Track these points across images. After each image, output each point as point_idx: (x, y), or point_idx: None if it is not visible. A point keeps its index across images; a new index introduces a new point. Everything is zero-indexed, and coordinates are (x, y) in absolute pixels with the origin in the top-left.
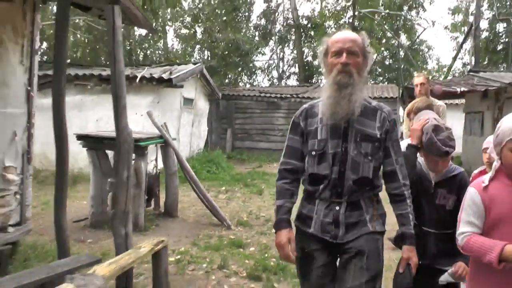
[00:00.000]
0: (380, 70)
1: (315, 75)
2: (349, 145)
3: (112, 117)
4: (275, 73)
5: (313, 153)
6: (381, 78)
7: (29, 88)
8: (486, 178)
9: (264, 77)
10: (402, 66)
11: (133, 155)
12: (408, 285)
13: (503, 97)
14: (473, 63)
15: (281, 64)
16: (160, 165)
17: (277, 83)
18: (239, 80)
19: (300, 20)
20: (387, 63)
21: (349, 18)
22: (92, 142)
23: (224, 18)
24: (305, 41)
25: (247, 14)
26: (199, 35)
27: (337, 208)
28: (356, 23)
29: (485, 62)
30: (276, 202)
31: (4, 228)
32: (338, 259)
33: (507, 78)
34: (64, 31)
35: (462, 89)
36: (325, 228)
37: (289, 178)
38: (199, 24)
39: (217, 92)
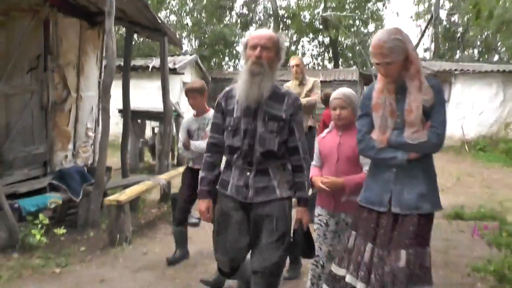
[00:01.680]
0: (350, 55)
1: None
2: (258, 123)
3: (137, 96)
4: None
5: (229, 128)
6: (351, 62)
7: (99, 79)
8: (325, 131)
9: None
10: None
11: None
12: (300, 239)
13: None
14: (433, 49)
15: None
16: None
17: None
18: (223, 64)
19: (278, 10)
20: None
21: (322, 10)
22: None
23: (211, 12)
24: (283, 29)
25: (230, 3)
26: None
27: (248, 174)
28: (326, 13)
29: (445, 48)
30: (200, 173)
31: (86, 165)
32: (251, 218)
33: (438, 66)
34: (129, 46)
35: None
36: (238, 190)
37: (212, 152)
38: (189, 16)
39: (208, 76)
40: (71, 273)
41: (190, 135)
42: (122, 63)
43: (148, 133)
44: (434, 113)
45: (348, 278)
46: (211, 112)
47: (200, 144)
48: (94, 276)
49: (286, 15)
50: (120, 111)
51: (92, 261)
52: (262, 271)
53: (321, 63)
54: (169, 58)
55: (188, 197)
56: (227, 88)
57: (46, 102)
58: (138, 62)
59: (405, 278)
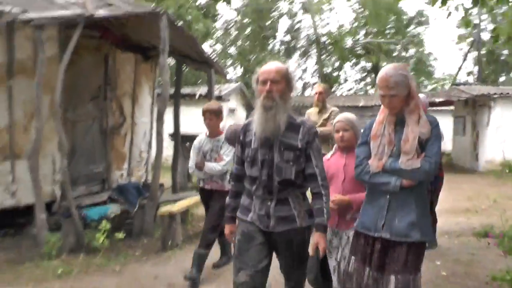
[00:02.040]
0: None
1: (334, 85)
2: (274, 153)
3: (185, 122)
4: (299, 84)
5: (248, 159)
6: None
7: (152, 107)
8: (329, 153)
9: None
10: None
11: None
12: (315, 264)
13: (477, 104)
14: (476, 72)
15: (304, 75)
16: None
17: (301, 92)
18: None
19: (320, 37)
20: None
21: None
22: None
23: (256, 42)
24: (326, 55)
25: (273, 32)
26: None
27: (269, 203)
28: (368, 39)
29: (489, 71)
30: (226, 200)
31: (139, 182)
32: (272, 244)
33: (477, 90)
34: (180, 76)
35: (439, 99)
36: (260, 219)
37: (236, 181)
38: (234, 46)
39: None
40: (129, 271)
41: (203, 155)
42: (172, 92)
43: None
44: (429, 145)
45: None
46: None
47: (215, 166)
48: (149, 273)
49: (328, 41)
50: (170, 135)
51: (147, 262)
52: (287, 281)
53: (363, 88)
54: (215, 86)
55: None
56: (245, 122)
57: (105, 127)
58: (186, 90)
59: None
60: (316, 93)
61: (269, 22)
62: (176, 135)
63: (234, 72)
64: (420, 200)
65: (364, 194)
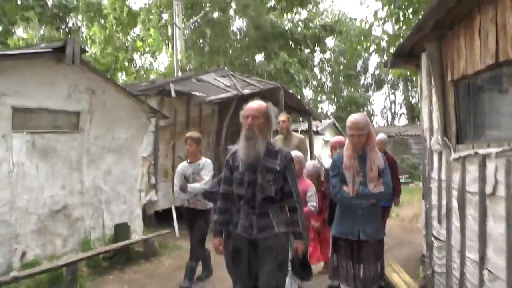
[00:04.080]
0: None
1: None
2: (258, 175)
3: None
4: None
5: (236, 180)
6: None
7: None
8: None
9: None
10: None
11: None
12: (297, 263)
13: None
14: None
15: (393, 106)
16: None
17: (391, 123)
18: None
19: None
20: None
21: None
22: None
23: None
24: (411, 86)
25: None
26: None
27: (252, 216)
28: None
29: None
30: (214, 217)
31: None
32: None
33: None
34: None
35: None
36: (245, 229)
37: (223, 200)
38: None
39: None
40: None
41: (186, 179)
42: None
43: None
44: (384, 174)
45: (341, 285)
46: (203, 160)
47: (196, 186)
48: None
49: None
50: None
51: None
52: None
53: None
54: (313, 123)
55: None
56: (233, 149)
57: None
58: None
59: (373, 281)
60: (279, 122)
61: (361, 60)
62: None
63: (328, 107)
64: (378, 212)
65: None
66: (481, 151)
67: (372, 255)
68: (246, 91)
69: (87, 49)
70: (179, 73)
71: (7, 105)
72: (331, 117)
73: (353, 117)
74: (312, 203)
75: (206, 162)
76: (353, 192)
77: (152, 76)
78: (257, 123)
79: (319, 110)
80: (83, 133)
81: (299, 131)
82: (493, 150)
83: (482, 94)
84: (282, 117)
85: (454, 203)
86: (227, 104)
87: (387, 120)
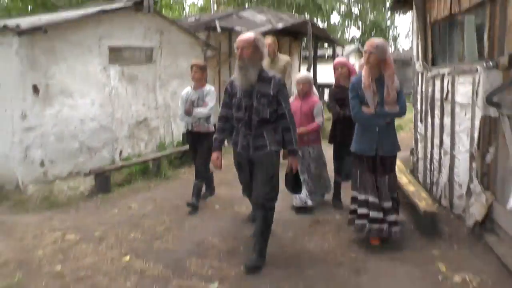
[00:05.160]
0: None
1: None
2: (253, 100)
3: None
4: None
5: (235, 105)
6: None
7: (299, 65)
8: (292, 98)
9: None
10: None
11: None
12: (291, 178)
13: None
14: None
15: None
16: None
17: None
18: None
19: None
20: None
21: None
22: None
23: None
24: None
25: None
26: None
27: (249, 137)
28: None
29: None
30: (214, 135)
31: None
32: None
33: None
34: (316, 47)
35: None
36: (243, 148)
37: (222, 121)
38: (357, 6)
39: None
40: None
41: (191, 103)
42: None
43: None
44: (399, 97)
45: (362, 197)
46: (207, 87)
47: (202, 110)
48: None
49: None
50: None
51: None
52: (257, 202)
53: None
54: (338, 48)
55: (194, 157)
56: (231, 78)
57: None
58: (319, 52)
59: (389, 189)
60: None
61: None
62: (314, 83)
63: (354, 31)
64: (394, 130)
65: (312, 124)
66: (441, 71)
67: (389, 167)
68: (280, 25)
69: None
70: (215, 7)
71: (105, 46)
72: (356, 42)
73: (370, 39)
74: (319, 118)
75: (210, 89)
76: (370, 111)
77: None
78: (246, 53)
79: (346, 35)
80: (156, 63)
81: (326, 57)
82: (446, 70)
83: (445, 32)
84: (268, 40)
85: (428, 107)
86: (264, 36)
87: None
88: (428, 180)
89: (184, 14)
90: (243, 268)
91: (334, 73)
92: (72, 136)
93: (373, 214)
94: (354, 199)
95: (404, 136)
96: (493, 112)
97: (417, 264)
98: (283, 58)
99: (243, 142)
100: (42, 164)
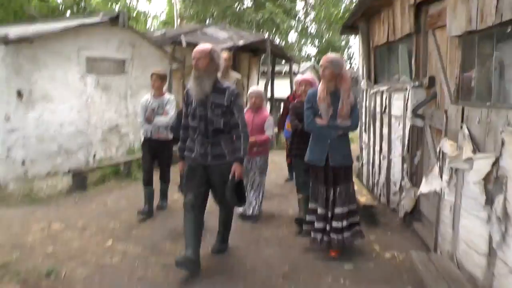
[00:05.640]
0: None
1: None
2: (208, 110)
3: (276, 89)
4: None
5: (190, 114)
6: None
7: (258, 81)
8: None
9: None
10: None
11: None
12: (232, 186)
13: None
14: None
15: None
16: None
17: None
18: None
19: None
20: None
21: None
22: None
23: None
24: None
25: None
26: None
27: (206, 145)
28: None
29: None
30: (178, 145)
31: None
32: (209, 174)
33: None
34: (274, 63)
35: None
36: (200, 156)
37: (184, 130)
38: (313, 25)
39: None
40: None
41: (152, 111)
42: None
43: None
44: (352, 111)
45: (313, 206)
46: (167, 95)
47: (163, 119)
48: None
49: None
50: (268, 99)
51: None
52: (220, 205)
53: None
54: (295, 65)
55: (151, 163)
56: (187, 87)
57: None
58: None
59: (342, 201)
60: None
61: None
62: (272, 97)
63: (311, 49)
64: (347, 142)
65: (262, 136)
66: (381, 88)
67: (341, 178)
68: (241, 42)
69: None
70: (178, 21)
71: (83, 56)
72: (312, 59)
73: (326, 54)
74: (269, 132)
75: (170, 98)
76: (323, 123)
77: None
78: (201, 63)
79: (303, 53)
80: (127, 74)
81: (283, 73)
82: (384, 87)
83: (384, 56)
84: (224, 55)
85: (371, 119)
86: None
87: None
88: (370, 182)
89: (147, 26)
90: (210, 250)
91: (297, 89)
92: (52, 138)
93: (318, 224)
94: (309, 211)
95: (354, 148)
96: (419, 122)
97: (357, 247)
98: (234, 75)
99: (201, 150)
100: (23, 163)
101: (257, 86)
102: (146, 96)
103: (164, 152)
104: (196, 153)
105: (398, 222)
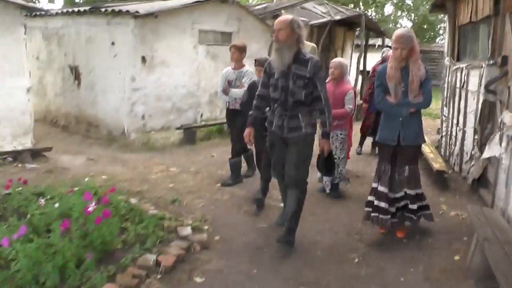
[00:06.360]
0: None
1: None
2: (290, 82)
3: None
4: None
5: (272, 86)
6: None
7: (351, 54)
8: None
9: None
10: None
11: None
12: (322, 160)
13: None
14: None
15: None
16: None
17: None
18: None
19: None
20: None
21: None
22: None
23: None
24: None
25: None
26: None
27: (284, 117)
28: None
29: None
30: (250, 112)
31: None
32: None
33: None
34: (368, 38)
35: None
36: (278, 128)
37: (259, 100)
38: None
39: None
40: None
41: (229, 84)
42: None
43: None
44: (424, 86)
45: (381, 188)
46: (246, 68)
47: (236, 92)
48: None
49: None
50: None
51: None
52: (289, 183)
53: None
54: (387, 39)
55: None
56: (269, 59)
57: None
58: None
59: (408, 181)
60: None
61: None
62: (364, 70)
63: (406, 22)
64: (419, 120)
65: (340, 110)
66: (461, 66)
67: (409, 158)
68: (337, 17)
69: None
70: None
71: (196, 29)
72: None
73: (398, 32)
74: (349, 105)
75: (248, 70)
76: (395, 101)
77: None
78: (281, 35)
79: (398, 25)
80: None
81: (376, 46)
82: (464, 65)
83: (467, 35)
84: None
85: (451, 94)
86: (323, 26)
87: None
88: (447, 153)
89: (249, 1)
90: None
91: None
92: (167, 98)
93: (377, 203)
94: (372, 190)
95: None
96: (491, 97)
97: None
98: (308, 44)
99: (278, 122)
100: (143, 117)
101: (340, 58)
102: (228, 68)
103: (237, 123)
104: (275, 126)
105: (466, 188)
